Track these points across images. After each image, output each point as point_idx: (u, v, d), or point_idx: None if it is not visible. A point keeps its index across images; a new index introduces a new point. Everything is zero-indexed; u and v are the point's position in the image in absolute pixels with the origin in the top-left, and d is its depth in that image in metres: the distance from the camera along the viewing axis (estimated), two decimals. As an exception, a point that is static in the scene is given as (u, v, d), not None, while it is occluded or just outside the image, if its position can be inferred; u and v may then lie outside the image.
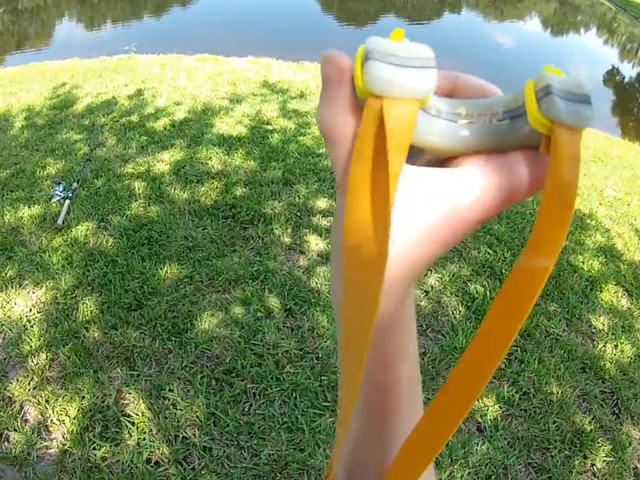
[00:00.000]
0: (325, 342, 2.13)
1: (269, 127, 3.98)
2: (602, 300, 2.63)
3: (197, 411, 1.87)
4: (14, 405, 1.91)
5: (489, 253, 2.77)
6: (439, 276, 2.56)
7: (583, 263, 2.84)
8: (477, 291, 2.48)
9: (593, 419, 2.04)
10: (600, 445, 1.95)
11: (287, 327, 2.19)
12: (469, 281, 2.55)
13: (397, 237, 0.24)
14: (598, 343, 2.39)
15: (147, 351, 2.07)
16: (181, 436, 1.81)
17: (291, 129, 3.97)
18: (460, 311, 2.37)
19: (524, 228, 3.04)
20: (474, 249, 2.79)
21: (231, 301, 2.31)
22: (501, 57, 11.39)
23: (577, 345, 2.33)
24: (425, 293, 2.45)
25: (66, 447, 1.77)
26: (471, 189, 0.24)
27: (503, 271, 2.64)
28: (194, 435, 1.82)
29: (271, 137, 3.78)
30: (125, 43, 8.64)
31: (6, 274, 2.50)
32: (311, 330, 2.18)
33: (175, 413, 1.86)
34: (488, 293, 2.47)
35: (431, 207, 0.24)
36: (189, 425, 1.84)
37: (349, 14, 13.70)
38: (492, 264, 2.67)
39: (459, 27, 13.91)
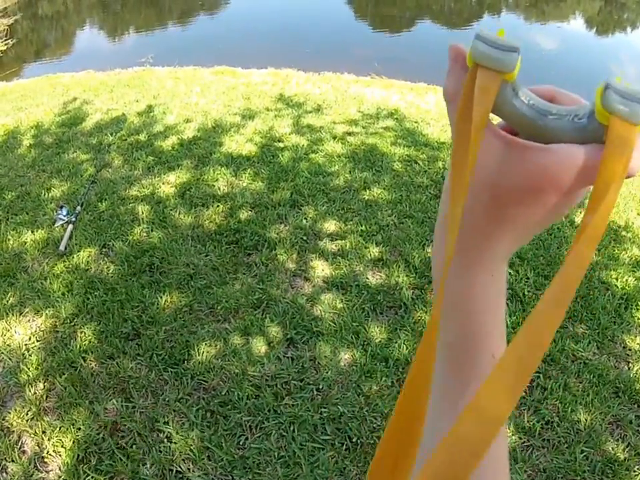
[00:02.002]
0: (327, 372, 2.26)
1: (280, 145, 4.18)
2: (638, 319, 2.67)
3: (191, 445, 2.02)
4: (12, 435, 2.11)
5: (510, 273, 2.85)
6: None
7: (617, 279, 2.89)
8: None
9: (627, 446, 2.08)
10: (636, 473, 1.99)
11: (287, 357, 2.34)
12: None
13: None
14: (633, 365, 2.43)
15: (143, 382, 2.24)
16: (174, 470, 1.97)
17: (303, 145, 4.17)
18: None
19: (550, 246, 3.11)
20: None
21: (230, 330, 2.47)
22: (543, 59, 11.43)
23: (609, 368, 2.38)
24: None
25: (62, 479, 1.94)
26: (556, 155, 0.32)
27: (525, 293, 2.72)
28: (188, 469, 1.97)
29: (281, 155, 3.98)
30: (143, 53, 9.09)
31: (7, 301, 2.73)
32: (312, 360, 2.32)
33: (170, 447, 2.02)
34: (507, 316, 2.55)
35: (520, 168, 0.32)
36: (183, 459, 1.99)
37: (383, 19, 13.98)
38: (513, 285, 2.75)
39: (498, 27, 13.95)
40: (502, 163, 0.33)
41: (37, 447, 2.07)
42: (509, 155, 0.33)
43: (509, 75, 0.32)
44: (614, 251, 3.14)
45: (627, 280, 2.89)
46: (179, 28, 13.62)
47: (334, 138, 4.36)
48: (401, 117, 5.01)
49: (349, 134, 4.49)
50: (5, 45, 11.70)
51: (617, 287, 2.83)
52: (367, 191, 3.58)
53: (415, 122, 4.90)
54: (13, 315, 2.65)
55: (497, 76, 0.32)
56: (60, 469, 2.00)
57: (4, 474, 2.01)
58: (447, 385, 0.40)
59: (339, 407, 2.13)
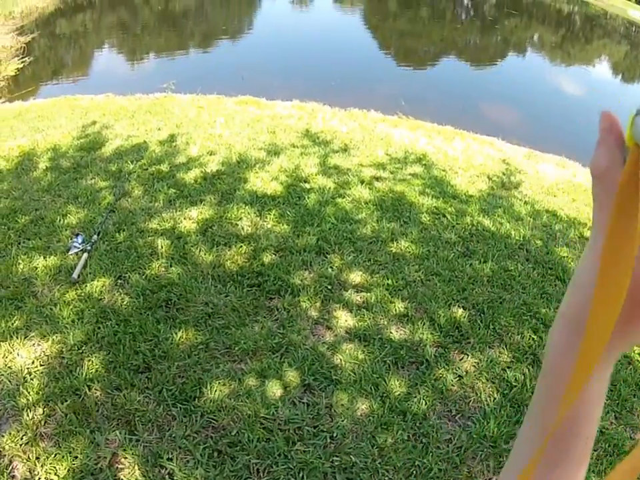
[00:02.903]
0: (342, 421, 2.44)
1: (306, 186, 4.50)
2: (657, 393, 2.84)
3: (195, 485, 2.19)
4: (2, 459, 2.30)
5: (533, 339, 3.05)
6: (476, 361, 2.85)
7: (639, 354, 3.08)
8: (515, 379, 2.75)
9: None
10: None
11: (303, 403, 2.52)
12: (508, 367, 2.83)
13: None
14: (649, 436, 2.58)
15: (150, 416, 2.44)
16: (175, 510, 2.13)
17: (329, 188, 4.48)
18: (494, 398, 2.63)
19: None
20: (517, 333, 3.08)
21: (246, 371, 2.67)
22: (567, 103, 12.02)
23: (625, 438, 2.55)
24: (458, 378, 2.73)
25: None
26: None
27: None
28: (190, 510, 2.14)
29: (308, 197, 4.29)
30: (164, 79, 9.68)
31: (12, 324, 2.98)
32: (328, 407, 2.51)
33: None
34: (528, 381, 2.72)
35: None
36: (185, 500, 2.16)
37: (407, 53, 14.76)
38: (535, 350, 2.95)
39: (523, 70, 14.87)
40: None
41: (27, 473, 2.24)
42: None
43: None
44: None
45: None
46: (201, 54, 14.42)
47: (361, 182, 4.68)
48: (429, 164, 5.36)
49: (377, 179, 4.82)
50: (22, 63, 12.52)
51: (639, 362, 3.02)
52: (394, 243, 3.83)
53: (443, 170, 5.26)
54: (17, 337, 2.89)
55: None
56: (51, 499, 2.18)
57: (-10, 500, 2.20)
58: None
59: (352, 456, 2.30)
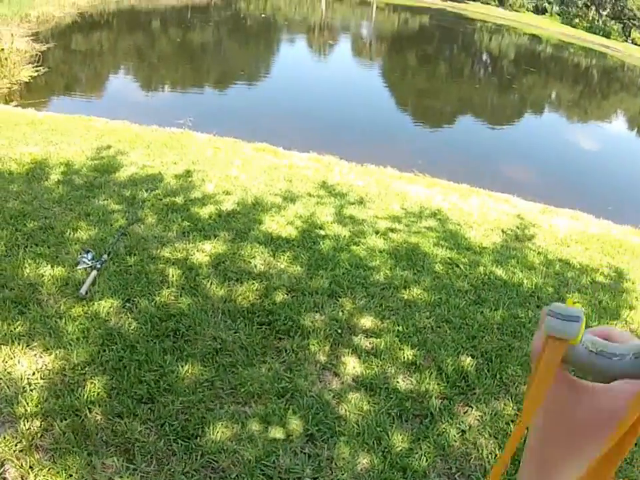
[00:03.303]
0: (343, 475, 2.36)
1: (321, 232, 4.53)
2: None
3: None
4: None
5: None
6: (480, 414, 2.80)
7: None
8: None
9: None
10: None
11: (305, 453, 2.45)
12: (512, 421, 2.78)
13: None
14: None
15: (150, 448, 2.35)
16: None
17: (344, 236, 4.52)
18: (496, 455, 2.57)
19: None
20: (523, 382, 3.05)
21: (250, 415, 2.60)
22: (582, 159, 12.40)
23: None
24: (461, 433, 2.68)
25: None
26: (617, 391, 0.46)
27: None
28: None
29: (322, 243, 4.30)
30: (179, 113, 9.81)
31: (15, 329, 2.92)
32: (329, 460, 2.43)
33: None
34: None
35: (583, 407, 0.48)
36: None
37: (424, 112, 15.13)
38: None
39: (540, 128, 15.46)
40: (576, 403, 0.48)
41: (19, 478, 2.16)
42: (581, 397, 0.48)
43: (574, 340, 0.46)
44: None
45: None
46: (217, 94, 14.68)
47: (376, 232, 4.72)
48: (443, 218, 5.44)
49: (391, 230, 4.87)
50: (36, 71, 12.60)
51: None
52: (407, 290, 3.84)
53: (458, 224, 5.34)
54: (19, 344, 2.81)
55: (563, 343, 0.47)
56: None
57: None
58: None
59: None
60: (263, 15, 32.06)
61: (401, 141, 11.47)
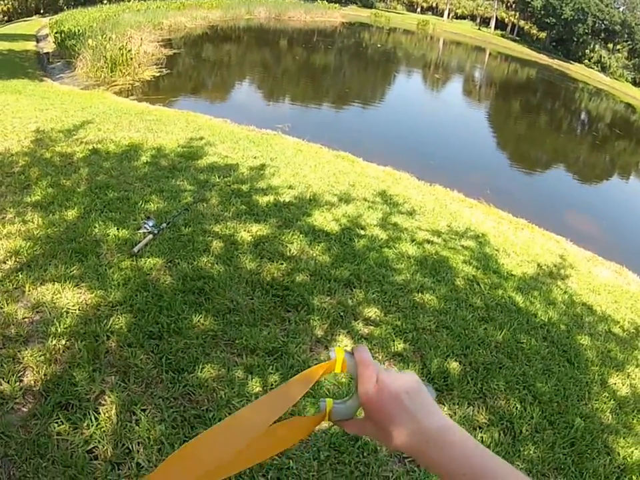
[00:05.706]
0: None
1: (361, 232, 4.73)
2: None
3: (151, 434, 2.39)
4: (19, 365, 2.61)
5: (516, 407, 2.99)
6: (450, 413, 2.84)
7: (622, 447, 2.94)
8: (482, 441, 2.68)
9: None
10: None
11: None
12: (479, 427, 2.80)
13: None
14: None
15: (144, 374, 2.68)
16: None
17: (380, 238, 4.69)
18: None
19: (569, 396, 3.23)
20: (503, 398, 3.03)
21: (238, 364, 2.86)
22: None
23: None
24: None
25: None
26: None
27: (523, 430, 2.85)
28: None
29: (357, 241, 4.51)
30: (284, 120, 10.32)
31: (70, 272, 3.38)
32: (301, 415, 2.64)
33: (135, 429, 2.40)
34: (492, 446, 2.65)
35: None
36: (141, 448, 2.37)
37: (520, 156, 14.87)
38: (512, 419, 2.89)
39: (617, 189, 15.07)
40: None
41: (32, 382, 2.53)
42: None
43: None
44: (633, 420, 3.21)
45: (632, 452, 2.92)
46: (327, 109, 15.25)
47: (412, 241, 4.82)
48: (484, 242, 5.40)
49: (428, 241, 4.94)
50: (159, 72, 13.71)
51: (619, 455, 2.88)
52: (420, 294, 3.92)
53: (496, 249, 5.28)
54: (69, 283, 3.26)
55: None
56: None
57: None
58: None
59: (291, 460, 2.43)
60: (379, 45, 34.23)
61: (490, 175, 11.39)
